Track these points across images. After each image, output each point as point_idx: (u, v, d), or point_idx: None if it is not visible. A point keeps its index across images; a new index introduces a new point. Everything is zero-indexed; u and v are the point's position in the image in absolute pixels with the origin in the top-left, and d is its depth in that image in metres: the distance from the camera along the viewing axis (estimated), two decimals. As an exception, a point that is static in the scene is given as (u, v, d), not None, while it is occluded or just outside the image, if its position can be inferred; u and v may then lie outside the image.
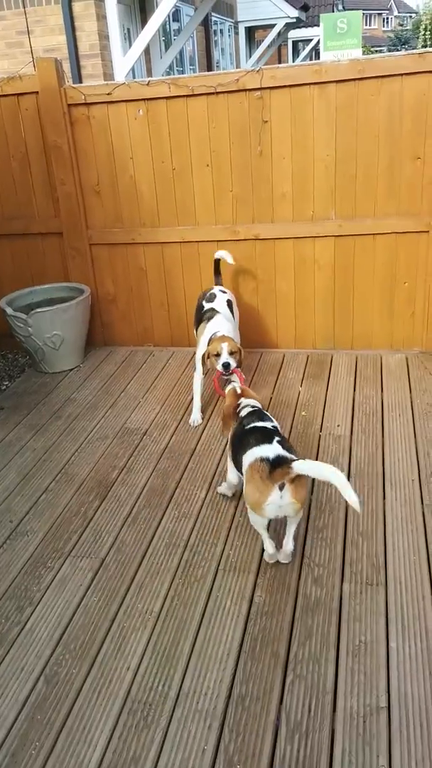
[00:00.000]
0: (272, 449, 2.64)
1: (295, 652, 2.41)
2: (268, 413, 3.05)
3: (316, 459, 3.56)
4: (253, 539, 3.00)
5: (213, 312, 4.13)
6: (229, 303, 4.31)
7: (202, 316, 4.18)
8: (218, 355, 3.67)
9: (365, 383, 4.37)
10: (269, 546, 2.82)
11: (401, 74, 4.13)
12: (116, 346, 5.42)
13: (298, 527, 2.87)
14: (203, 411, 4.15)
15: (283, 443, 2.70)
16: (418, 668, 2.28)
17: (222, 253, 4.52)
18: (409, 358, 4.66)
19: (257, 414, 3.00)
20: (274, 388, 4.45)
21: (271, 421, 2.96)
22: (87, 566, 2.94)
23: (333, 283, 4.76)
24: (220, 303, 4.22)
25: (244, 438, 2.85)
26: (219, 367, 3.65)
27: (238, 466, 2.89)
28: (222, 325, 4.00)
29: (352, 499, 2.37)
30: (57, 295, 5.12)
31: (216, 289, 4.34)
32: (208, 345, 3.83)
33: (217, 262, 4.56)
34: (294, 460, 2.54)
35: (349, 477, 3.38)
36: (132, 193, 4.89)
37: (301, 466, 2.50)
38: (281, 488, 2.55)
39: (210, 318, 4.08)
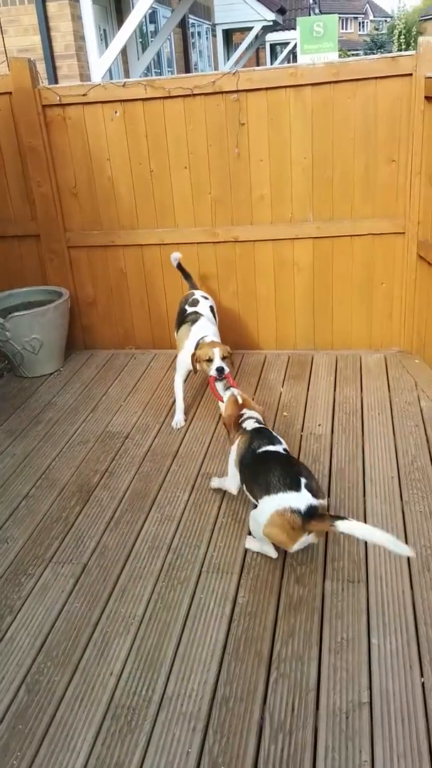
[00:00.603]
0: (303, 499, 2.54)
1: (279, 651, 2.42)
2: (271, 431, 3.04)
3: (298, 458, 3.57)
4: (237, 540, 3.01)
5: (197, 315, 4.11)
6: (212, 308, 4.32)
7: (184, 319, 4.17)
8: (210, 360, 3.63)
9: (345, 383, 4.40)
10: (272, 553, 2.86)
11: (375, 78, 4.17)
12: (97, 349, 5.40)
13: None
14: (186, 413, 4.15)
15: (310, 485, 2.60)
16: (399, 663, 2.30)
17: (176, 255, 4.55)
18: (388, 357, 4.70)
19: (265, 434, 2.97)
20: (256, 389, 4.47)
21: (281, 443, 2.94)
22: (69, 572, 2.93)
23: (312, 284, 4.79)
24: (203, 307, 4.21)
25: (260, 466, 2.80)
26: (212, 372, 3.60)
27: (249, 491, 2.89)
28: (208, 328, 3.99)
29: (403, 551, 2.37)
30: (35, 298, 5.09)
31: (198, 294, 4.34)
32: (198, 349, 3.79)
33: (180, 266, 4.55)
34: (333, 517, 2.47)
35: (330, 476, 3.40)
36: (110, 194, 4.88)
37: (346, 527, 2.43)
38: (309, 533, 2.57)
39: (194, 321, 4.06)
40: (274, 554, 2.85)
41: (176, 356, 4.15)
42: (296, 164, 4.49)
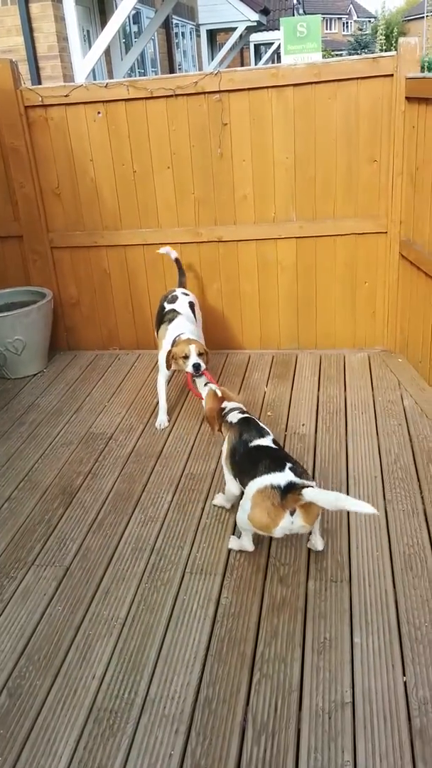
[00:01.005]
0: (284, 477, 2.56)
1: (262, 651, 2.41)
2: (257, 419, 3.02)
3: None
4: (220, 540, 3.01)
5: (174, 313, 4.11)
6: (191, 305, 4.31)
7: (163, 317, 4.17)
8: (186, 357, 3.67)
9: (329, 382, 4.40)
10: (250, 546, 2.86)
11: (357, 78, 4.18)
12: (81, 350, 5.38)
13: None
14: (169, 413, 4.14)
15: (296, 469, 2.62)
16: (381, 662, 2.31)
17: (166, 250, 4.56)
18: (372, 356, 4.72)
19: (253, 425, 2.95)
20: (240, 388, 4.46)
21: (269, 434, 2.92)
22: (51, 575, 2.91)
23: (296, 283, 4.79)
24: (181, 305, 4.21)
25: (250, 459, 2.78)
26: (189, 369, 3.65)
27: (241, 482, 2.84)
28: (185, 326, 3.99)
29: (367, 510, 2.32)
30: (18, 299, 5.06)
31: (178, 291, 4.33)
32: (174, 346, 3.81)
33: (178, 261, 4.56)
34: (304, 487, 2.47)
35: (313, 475, 3.40)
36: (93, 195, 4.86)
37: (311, 494, 2.44)
38: (292, 513, 2.51)
39: (171, 320, 4.06)
40: (251, 547, 2.85)
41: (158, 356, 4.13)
42: (279, 164, 4.50)
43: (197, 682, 2.32)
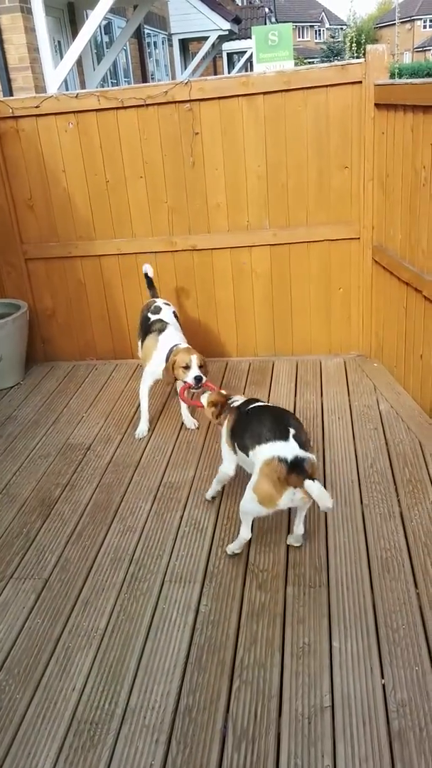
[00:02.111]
0: (290, 449, 2.60)
1: (241, 658, 2.42)
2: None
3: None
4: (199, 548, 3.01)
5: (163, 323, 4.04)
6: (175, 314, 4.29)
7: (149, 328, 4.09)
8: (187, 367, 3.59)
9: (306, 388, 4.43)
10: (247, 534, 2.86)
11: (326, 86, 4.23)
12: (58, 361, 5.36)
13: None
14: (148, 422, 4.12)
15: (299, 436, 2.67)
16: (360, 666, 2.32)
17: (147, 267, 4.50)
18: (347, 361, 4.76)
19: (253, 399, 3.05)
20: (216, 396, 4.47)
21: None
22: (30, 588, 2.89)
23: (271, 291, 4.82)
24: (167, 315, 4.16)
25: (251, 421, 2.84)
26: (189, 380, 3.57)
27: (244, 449, 2.86)
28: (177, 336, 3.95)
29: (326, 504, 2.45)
30: (-7, 311, 5.04)
31: (160, 302, 4.29)
32: (174, 356, 3.71)
33: (147, 275, 4.52)
34: (309, 476, 2.52)
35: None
36: (66, 206, 4.86)
37: (311, 487, 2.49)
38: (295, 487, 2.59)
39: (162, 330, 3.98)
40: (248, 535, 2.85)
41: (141, 366, 4.07)
42: (251, 172, 4.53)
43: (177, 690, 2.32)
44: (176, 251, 4.82)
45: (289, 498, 2.62)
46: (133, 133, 4.58)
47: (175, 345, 3.83)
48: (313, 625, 2.52)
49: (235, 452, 3.01)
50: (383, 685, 2.25)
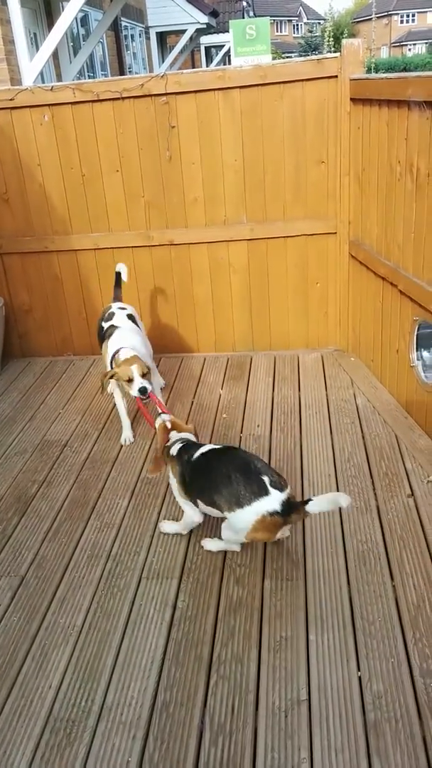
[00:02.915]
0: (276, 499, 2.53)
1: (219, 653, 2.42)
2: (197, 441, 2.98)
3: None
4: (177, 544, 3.00)
5: (112, 328, 3.94)
6: (131, 317, 4.14)
7: (103, 336, 4.00)
8: (131, 380, 3.45)
9: (283, 383, 4.44)
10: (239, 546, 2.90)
11: (302, 80, 4.23)
12: (35, 356, 5.31)
13: None
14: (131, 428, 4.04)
15: (275, 482, 2.56)
16: (336, 658, 2.34)
17: (121, 266, 4.39)
18: (325, 356, 4.77)
19: (189, 443, 2.92)
20: (195, 392, 4.47)
21: (204, 445, 2.90)
22: (6, 585, 2.86)
23: (249, 286, 4.82)
24: (119, 319, 4.04)
25: (211, 473, 2.71)
26: (135, 393, 3.43)
27: (210, 503, 2.75)
28: (123, 339, 3.78)
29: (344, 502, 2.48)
30: (-31, 307, 4.98)
31: (114, 307, 4.17)
32: (117, 368, 3.55)
33: (118, 274, 4.41)
34: (304, 502, 2.51)
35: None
36: (42, 200, 4.81)
37: (315, 507, 2.51)
38: (291, 523, 2.65)
39: (110, 335, 3.88)
40: (239, 548, 2.90)
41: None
42: (228, 167, 4.52)
43: (154, 686, 2.32)
44: (153, 246, 4.80)
45: (282, 532, 2.69)
46: (109, 126, 4.54)
47: (117, 351, 3.66)
48: (290, 619, 2.53)
49: (196, 504, 2.90)
50: (359, 678, 2.26)
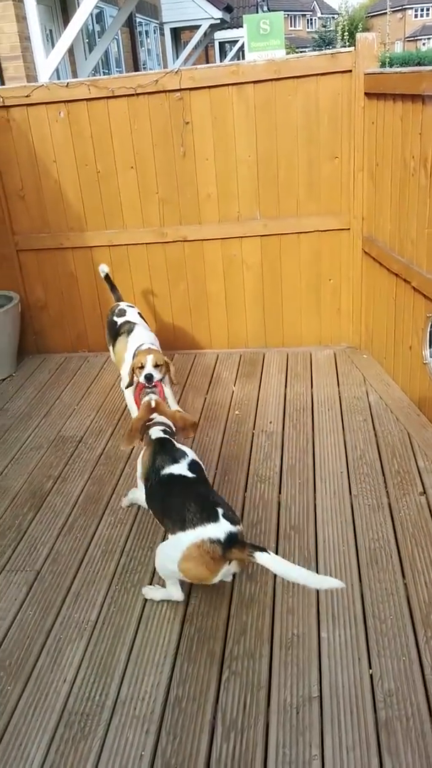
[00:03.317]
0: (221, 528, 2.36)
1: (231, 649, 2.44)
2: (175, 442, 2.83)
3: (249, 457, 3.61)
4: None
5: (131, 324, 3.98)
6: (140, 315, 4.21)
7: (118, 331, 4.03)
8: (142, 367, 3.49)
9: (296, 380, 4.44)
10: (179, 596, 2.66)
11: (316, 75, 4.21)
12: (50, 353, 5.35)
13: None
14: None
15: (227, 514, 2.43)
16: (348, 656, 2.34)
17: (104, 267, 4.41)
18: (337, 353, 4.76)
19: (167, 448, 2.76)
20: (208, 388, 4.48)
21: (185, 456, 2.73)
22: (21, 580, 2.90)
23: (262, 282, 4.82)
24: (132, 315, 4.10)
25: (169, 496, 2.59)
26: (141, 379, 3.47)
27: (159, 519, 2.71)
28: (144, 336, 3.86)
29: (334, 585, 2.33)
30: (-16, 303, 5.02)
31: (123, 305, 4.21)
32: (134, 357, 3.62)
33: (108, 278, 4.42)
34: (255, 546, 2.32)
35: (281, 472, 3.44)
36: (57, 197, 4.83)
37: (265, 560, 2.28)
38: (230, 562, 2.42)
39: (130, 331, 3.92)
40: (180, 597, 2.64)
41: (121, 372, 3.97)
42: (241, 162, 4.51)
43: (167, 681, 2.34)
44: (167, 242, 4.81)
45: (223, 573, 2.44)
46: (124, 122, 4.55)
47: (140, 346, 3.72)
48: (302, 616, 2.54)
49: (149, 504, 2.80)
50: (371, 676, 2.27)
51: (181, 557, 2.42)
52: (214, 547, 2.35)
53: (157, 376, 3.47)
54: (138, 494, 3.04)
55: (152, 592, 2.72)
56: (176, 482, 2.63)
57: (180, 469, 2.67)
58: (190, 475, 2.65)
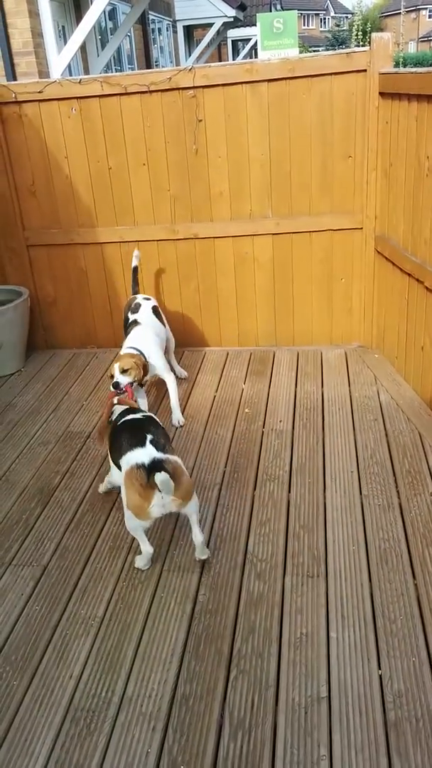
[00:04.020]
0: (146, 453, 2.59)
1: (239, 648, 2.42)
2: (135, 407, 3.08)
3: (259, 456, 3.59)
4: (197, 538, 3.00)
5: (134, 324, 4.04)
6: (155, 309, 4.23)
7: (126, 329, 4.10)
8: (111, 376, 3.59)
9: (306, 378, 4.42)
10: (147, 548, 2.81)
11: (330, 74, 4.19)
12: (58, 348, 5.35)
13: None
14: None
15: (156, 441, 2.65)
16: (357, 656, 2.33)
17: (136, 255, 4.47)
18: (348, 352, 4.74)
19: (128, 410, 3.02)
20: (217, 386, 4.46)
21: (143, 412, 3.00)
22: (28, 575, 2.89)
23: (273, 280, 4.80)
24: (144, 312, 4.13)
25: (117, 437, 2.86)
26: (111, 387, 3.56)
27: (117, 466, 2.84)
28: (136, 338, 3.89)
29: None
30: (-6, 298, 5.02)
31: (140, 298, 4.26)
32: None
33: (135, 269, 4.48)
34: (171, 470, 2.49)
35: (290, 471, 3.42)
36: (68, 193, 4.83)
37: (156, 477, 2.46)
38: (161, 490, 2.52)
39: (129, 332, 3.99)
40: (149, 549, 2.80)
41: None
42: (254, 160, 4.50)
43: (174, 679, 2.33)
44: (178, 240, 4.80)
45: (159, 503, 2.58)
46: (137, 119, 4.54)
47: (127, 349, 3.80)
48: (310, 616, 2.52)
49: (119, 468, 2.91)
50: (380, 676, 2.25)
51: (125, 490, 2.64)
52: (140, 473, 2.54)
53: (124, 381, 3.54)
54: (113, 476, 3.13)
55: (138, 561, 2.86)
56: (128, 425, 2.86)
57: (135, 416, 2.92)
58: (139, 416, 2.90)
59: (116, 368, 3.60)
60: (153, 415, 3.03)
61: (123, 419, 2.93)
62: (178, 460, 2.66)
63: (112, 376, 3.60)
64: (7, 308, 4.72)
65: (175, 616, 2.59)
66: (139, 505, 2.61)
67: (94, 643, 2.51)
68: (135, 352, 3.77)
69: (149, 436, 2.66)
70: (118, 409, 3.12)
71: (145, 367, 3.71)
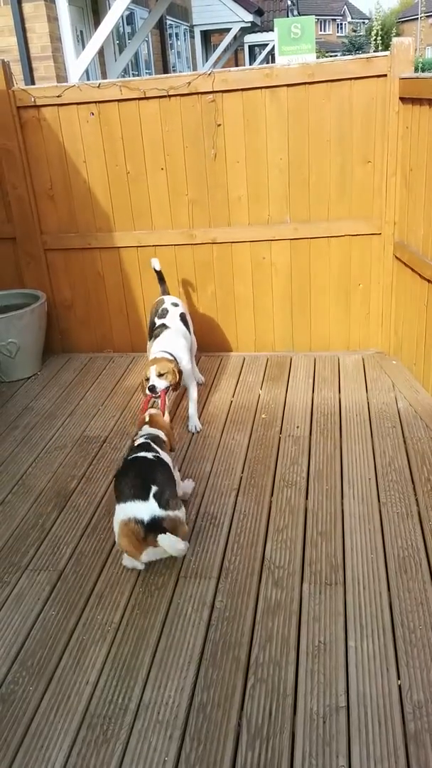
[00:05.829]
0: (147, 509, 2.60)
1: (256, 655, 2.40)
2: (155, 446, 2.99)
3: (276, 462, 3.57)
4: (214, 544, 2.99)
5: (162, 328, 4.00)
6: (183, 316, 4.19)
7: (152, 333, 4.07)
8: (147, 378, 3.56)
9: (323, 384, 4.40)
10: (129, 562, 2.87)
11: (350, 78, 4.17)
12: (75, 352, 5.36)
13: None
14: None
15: (160, 494, 2.64)
16: (376, 666, 2.30)
17: (155, 261, 4.45)
18: (366, 358, 4.71)
19: (143, 446, 2.96)
20: (234, 391, 4.45)
21: (156, 451, 2.92)
22: (45, 579, 2.89)
23: (290, 285, 4.78)
24: (172, 318, 4.09)
25: (123, 473, 2.81)
26: (147, 391, 3.55)
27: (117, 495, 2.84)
28: (167, 343, 3.86)
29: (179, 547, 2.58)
30: (12, 302, 5.03)
31: (168, 303, 4.22)
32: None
33: (159, 272, 4.46)
34: (169, 527, 2.55)
35: (308, 478, 3.40)
36: (86, 197, 4.85)
37: (161, 540, 2.54)
38: (155, 546, 2.61)
39: (158, 335, 3.95)
40: (141, 564, 2.83)
41: None
42: (273, 165, 4.49)
43: (191, 686, 2.31)
44: (196, 244, 4.79)
45: (151, 552, 2.69)
46: (155, 124, 4.55)
47: (156, 355, 3.76)
48: (328, 624, 2.49)
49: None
50: (399, 686, 2.22)
51: (118, 532, 2.68)
52: (137, 528, 2.58)
53: (160, 385, 3.51)
54: None
55: (125, 560, 2.89)
56: (134, 463, 2.84)
57: (145, 454, 2.87)
58: (150, 456, 2.86)
59: (153, 371, 3.55)
60: (163, 457, 2.96)
61: (135, 455, 2.89)
62: (178, 515, 2.68)
63: (147, 379, 3.55)
64: (25, 312, 4.74)
65: (192, 622, 2.58)
66: (131, 553, 2.73)
67: (110, 649, 2.50)
68: (169, 356, 3.72)
69: (153, 488, 2.64)
70: (143, 431, 3.09)
71: (180, 373, 3.67)
